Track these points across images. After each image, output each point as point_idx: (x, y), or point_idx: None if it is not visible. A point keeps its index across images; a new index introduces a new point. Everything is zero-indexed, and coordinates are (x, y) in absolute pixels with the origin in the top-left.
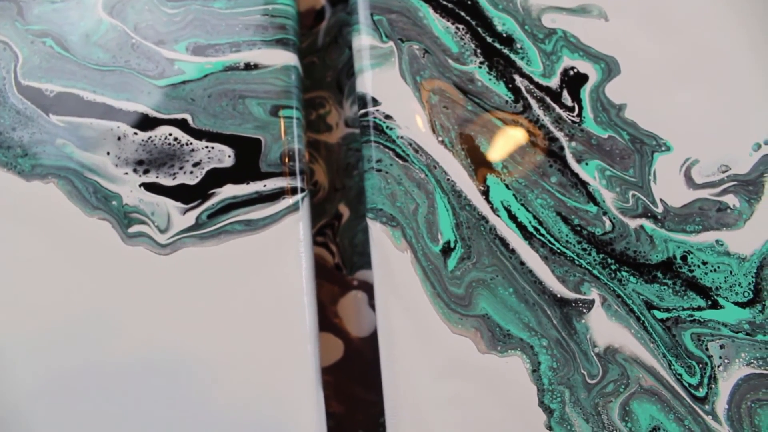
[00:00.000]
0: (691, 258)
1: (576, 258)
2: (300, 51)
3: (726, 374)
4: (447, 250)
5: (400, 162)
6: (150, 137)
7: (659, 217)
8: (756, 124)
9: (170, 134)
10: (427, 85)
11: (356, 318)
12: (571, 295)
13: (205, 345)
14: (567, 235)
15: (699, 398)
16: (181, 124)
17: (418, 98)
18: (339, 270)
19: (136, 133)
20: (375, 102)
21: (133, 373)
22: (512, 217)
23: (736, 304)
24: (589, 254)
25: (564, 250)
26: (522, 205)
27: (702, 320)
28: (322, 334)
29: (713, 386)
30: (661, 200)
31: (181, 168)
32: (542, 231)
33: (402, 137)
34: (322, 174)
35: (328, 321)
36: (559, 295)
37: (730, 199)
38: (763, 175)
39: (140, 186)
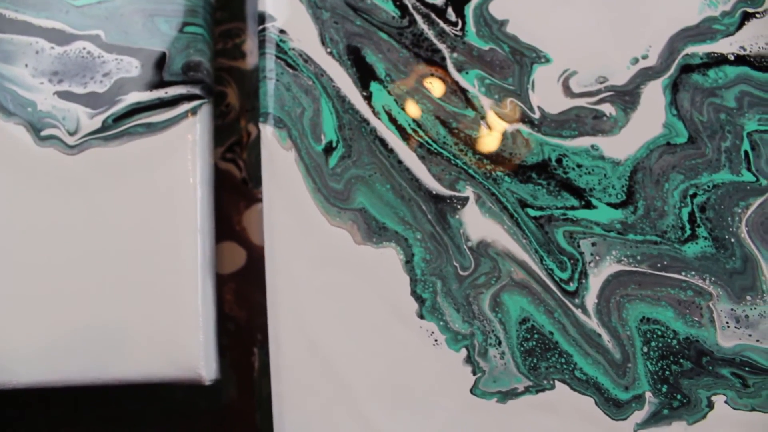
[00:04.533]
0: (566, 161)
1: (452, 158)
2: None
3: (597, 270)
4: (329, 149)
5: (291, 71)
6: (65, 51)
7: (536, 122)
8: (635, 39)
9: (84, 48)
10: (320, 3)
11: (259, 228)
12: (446, 192)
13: (104, 236)
14: (444, 137)
15: (569, 292)
16: (95, 39)
17: (311, 15)
18: (245, 184)
19: (52, 48)
20: (271, 18)
21: (43, 254)
22: (392, 120)
23: (609, 204)
24: (465, 155)
25: (441, 150)
26: (402, 109)
27: (575, 219)
28: (226, 243)
29: (584, 281)
30: (538, 107)
31: (92, 78)
32: (421, 133)
33: (293, 49)
34: (235, 97)
35: (232, 231)
36: (434, 192)
37: (607, 108)
38: (640, 87)
39: (54, 94)
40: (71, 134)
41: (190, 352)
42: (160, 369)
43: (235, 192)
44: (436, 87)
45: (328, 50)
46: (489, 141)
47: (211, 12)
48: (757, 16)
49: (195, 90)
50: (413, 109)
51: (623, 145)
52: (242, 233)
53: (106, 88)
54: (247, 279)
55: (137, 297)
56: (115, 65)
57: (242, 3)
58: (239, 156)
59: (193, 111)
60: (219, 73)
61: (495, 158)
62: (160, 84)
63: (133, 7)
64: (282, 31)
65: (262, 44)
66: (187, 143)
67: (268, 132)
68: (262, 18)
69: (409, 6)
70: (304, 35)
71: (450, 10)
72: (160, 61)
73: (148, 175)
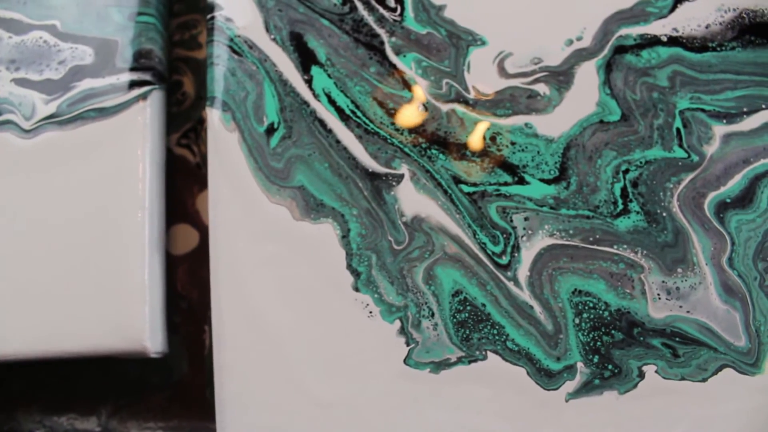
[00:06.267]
0: (500, 138)
1: (389, 137)
2: None
3: (529, 244)
4: (270, 131)
5: (236, 57)
6: (23, 40)
7: (471, 102)
8: (570, 22)
9: (41, 37)
10: None
11: None
12: (382, 169)
13: (57, 215)
14: (381, 117)
15: (502, 265)
16: (51, 29)
17: (257, 3)
18: (199, 168)
19: (10, 37)
20: (219, 7)
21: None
22: (332, 102)
23: (542, 180)
24: (402, 134)
25: (378, 130)
26: (341, 91)
27: (508, 194)
28: (180, 226)
29: (516, 255)
30: (473, 87)
31: (47, 65)
32: (359, 113)
33: (239, 36)
34: (191, 86)
35: (186, 213)
36: (370, 170)
37: (541, 88)
38: (574, 67)
39: (11, 81)
40: (27, 119)
41: (136, 324)
42: (108, 342)
43: (189, 176)
44: (374, 70)
45: (272, 37)
46: (424, 120)
47: (165, 2)
48: None
49: (146, 76)
50: (352, 92)
51: (557, 123)
52: (195, 216)
53: (61, 75)
54: (199, 259)
55: (88, 273)
56: (70, 53)
57: None
58: (194, 141)
59: (144, 96)
60: (176, 63)
61: (430, 137)
62: (112, 71)
63: None
64: (228, 20)
65: (210, 32)
66: (137, 127)
67: (214, 115)
68: (211, 7)
69: None
70: (249, 23)
71: None
72: (113, 49)
73: (101, 157)
